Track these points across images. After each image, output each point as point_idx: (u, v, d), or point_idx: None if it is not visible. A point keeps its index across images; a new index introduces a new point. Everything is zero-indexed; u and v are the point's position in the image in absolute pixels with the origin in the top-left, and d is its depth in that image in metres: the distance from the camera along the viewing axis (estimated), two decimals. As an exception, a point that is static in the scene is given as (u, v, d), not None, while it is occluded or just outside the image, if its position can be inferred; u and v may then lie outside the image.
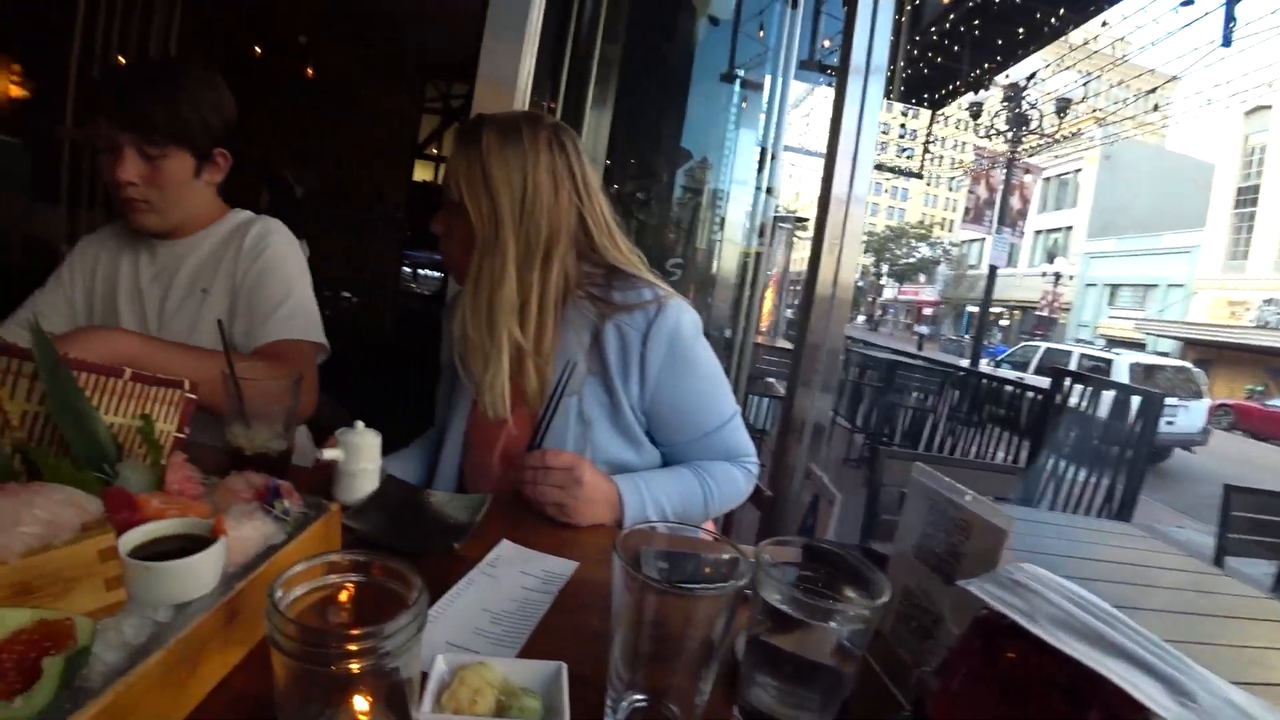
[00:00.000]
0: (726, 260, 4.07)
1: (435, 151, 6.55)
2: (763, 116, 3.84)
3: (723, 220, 4.10)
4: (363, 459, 0.87)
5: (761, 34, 3.86)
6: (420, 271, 7.13)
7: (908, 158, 17.18)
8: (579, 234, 1.05)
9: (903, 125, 23.77)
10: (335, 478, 0.88)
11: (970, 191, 18.23)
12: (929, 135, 13.65)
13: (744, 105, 4.12)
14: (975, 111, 13.83)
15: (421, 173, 6.20)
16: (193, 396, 0.74)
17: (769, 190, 3.66)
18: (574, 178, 1.03)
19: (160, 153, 1.14)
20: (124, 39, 5.29)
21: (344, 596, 0.48)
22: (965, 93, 8.87)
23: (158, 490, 0.64)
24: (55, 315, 1.26)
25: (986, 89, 10.44)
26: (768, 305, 11.73)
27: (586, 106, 2.85)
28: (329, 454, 0.85)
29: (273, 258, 1.25)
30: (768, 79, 3.75)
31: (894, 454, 2.33)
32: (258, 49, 5.85)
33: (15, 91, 4.70)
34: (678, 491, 1.04)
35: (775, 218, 4.54)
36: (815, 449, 2.24)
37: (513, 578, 0.76)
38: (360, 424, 0.89)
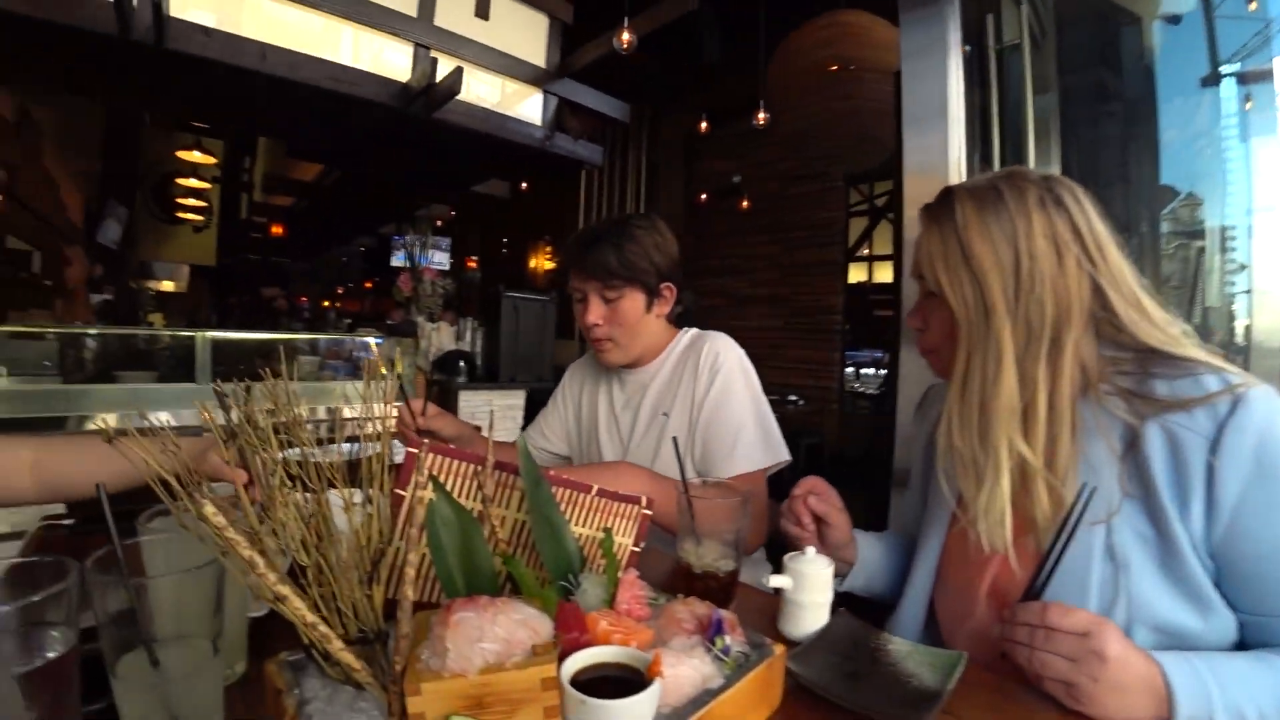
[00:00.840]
0: (1262, 321, 2.89)
1: (867, 252, 6.59)
2: (1286, 110, 2.71)
3: (1241, 266, 2.96)
4: (813, 590, 0.77)
5: (1254, 4, 2.80)
6: (862, 371, 7.09)
7: None
8: (1095, 309, 0.80)
9: None
10: (781, 608, 0.79)
11: None
12: None
13: (1248, 106, 3.00)
14: None
15: (856, 275, 6.29)
16: (648, 513, 0.76)
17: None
18: (1080, 239, 0.79)
19: (617, 295, 1.29)
20: (608, 209, 6.86)
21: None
22: None
23: (608, 606, 0.64)
24: (553, 434, 1.53)
25: None
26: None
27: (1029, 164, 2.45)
28: (775, 581, 0.77)
29: (726, 377, 1.28)
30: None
31: None
32: (703, 196, 6.89)
33: (546, 265, 6.90)
34: (1270, 690, 0.65)
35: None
36: None
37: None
38: (812, 550, 0.79)
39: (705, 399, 1.27)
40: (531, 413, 4.06)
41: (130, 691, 0.50)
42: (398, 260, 6.65)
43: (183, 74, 3.20)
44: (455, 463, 0.65)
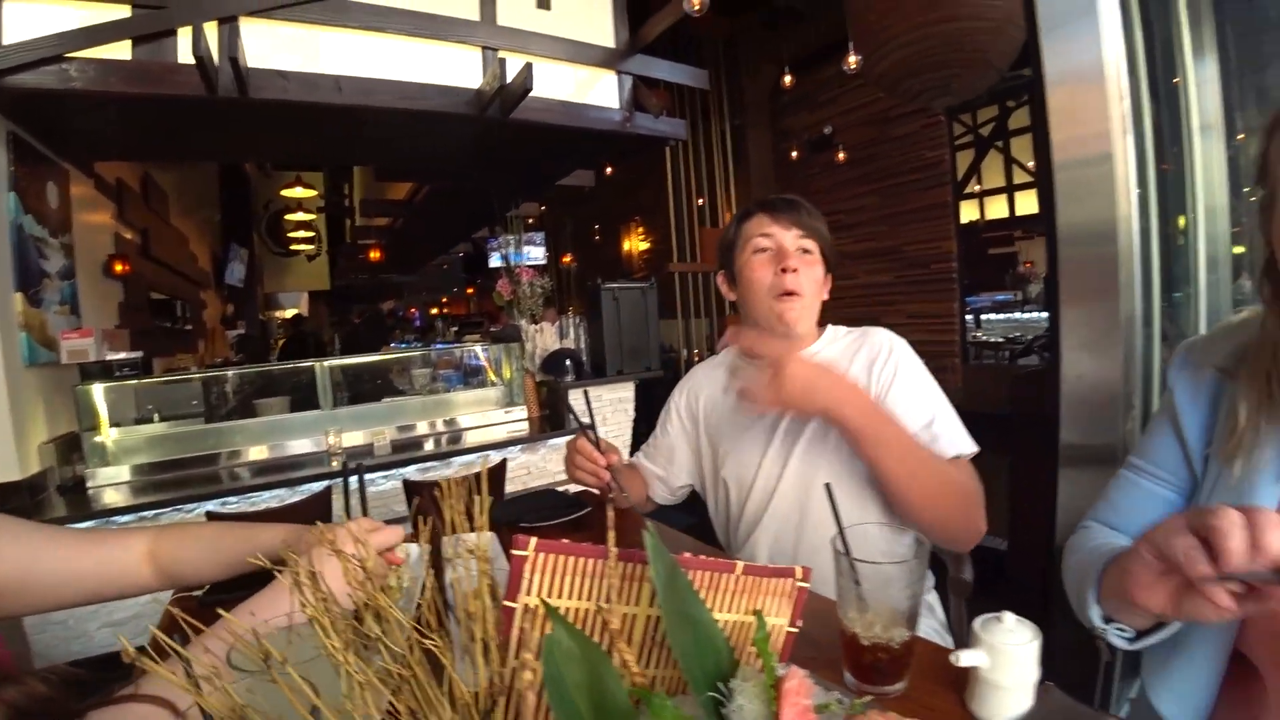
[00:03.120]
0: None
1: (977, 188, 6.05)
2: None
3: None
4: (1015, 669, 0.60)
5: None
6: (983, 317, 6.56)
7: None
8: None
9: None
10: (973, 686, 0.63)
11: None
12: None
13: None
14: None
15: (967, 214, 5.79)
16: (805, 585, 0.62)
17: None
18: None
19: (811, 250, 1.21)
20: (697, 181, 6.64)
21: None
22: None
23: (774, 725, 0.51)
24: (668, 463, 1.39)
25: None
26: None
27: (1185, 61, 2.03)
28: (968, 660, 0.61)
29: (910, 367, 1.15)
30: None
31: None
32: (794, 153, 6.53)
33: (640, 246, 6.90)
34: None
35: None
36: None
37: None
38: (1011, 617, 0.63)
39: (888, 392, 1.12)
40: (643, 404, 4.01)
41: None
42: (495, 261, 6.80)
43: (270, 118, 3.32)
44: (572, 561, 0.53)
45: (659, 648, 0.59)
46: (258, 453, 3.16)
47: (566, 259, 9.68)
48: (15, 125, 2.80)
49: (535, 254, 7.85)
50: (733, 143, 6.65)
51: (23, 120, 2.82)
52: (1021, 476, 2.90)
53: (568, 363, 3.63)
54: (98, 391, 2.88)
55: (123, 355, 3.08)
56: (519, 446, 3.39)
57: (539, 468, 3.47)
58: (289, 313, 10.25)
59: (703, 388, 1.37)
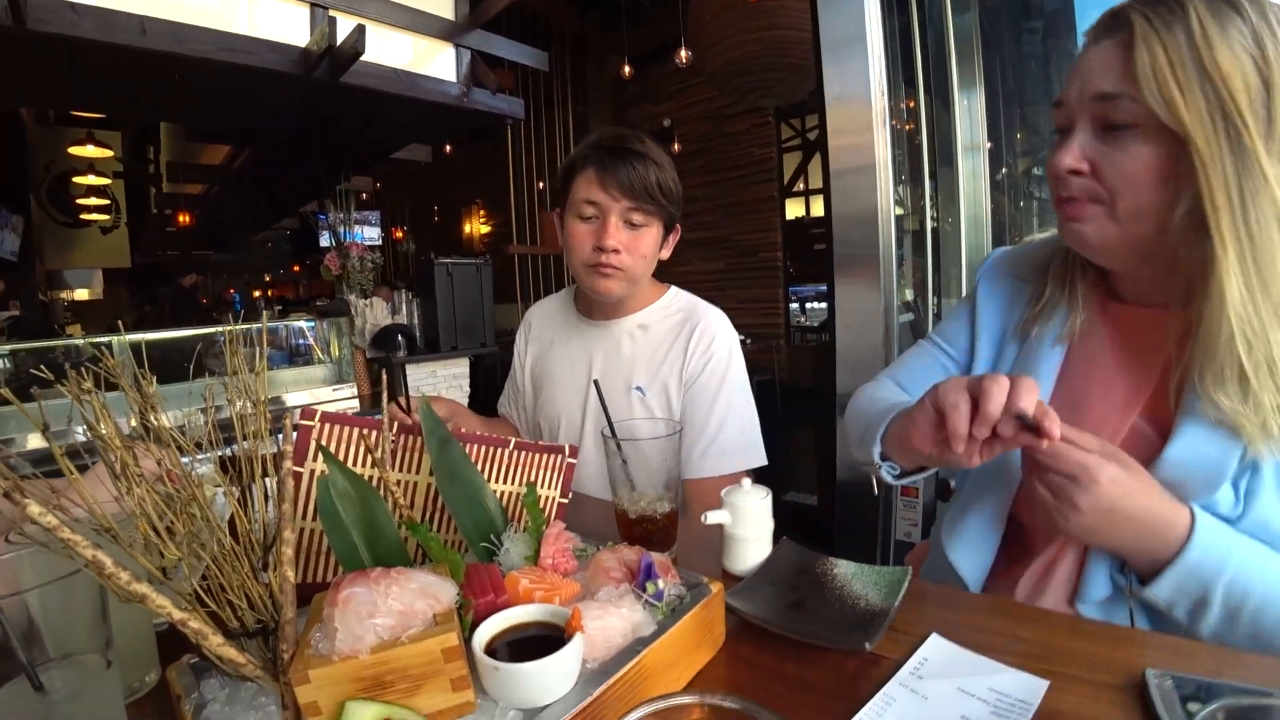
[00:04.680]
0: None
1: (802, 187, 6.62)
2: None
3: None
4: (752, 523, 0.75)
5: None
6: (807, 305, 7.21)
7: None
8: None
9: None
10: (723, 544, 0.78)
11: None
12: None
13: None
14: None
15: (793, 210, 6.32)
16: (573, 461, 0.72)
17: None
18: None
19: (643, 221, 1.15)
20: (538, 164, 6.68)
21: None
22: None
23: (533, 562, 0.61)
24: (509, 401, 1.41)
25: None
26: None
27: (952, 92, 2.45)
28: (713, 518, 0.75)
29: (718, 365, 1.16)
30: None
31: None
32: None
33: (481, 229, 6.78)
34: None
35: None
36: None
37: (948, 698, 0.54)
38: (747, 481, 0.77)
39: (691, 386, 1.16)
40: (477, 380, 4.00)
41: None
42: (326, 240, 6.37)
43: (54, 58, 2.91)
44: (354, 432, 0.59)
45: (440, 513, 0.66)
46: (41, 441, 2.78)
47: (399, 234, 9.26)
48: None
49: (370, 233, 7.44)
50: (575, 128, 6.74)
51: None
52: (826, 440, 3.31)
53: (400, 338, 3.54)
54: None
55: None
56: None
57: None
58: (79, 294, 8.85)
59: (533, 325, 1.40)
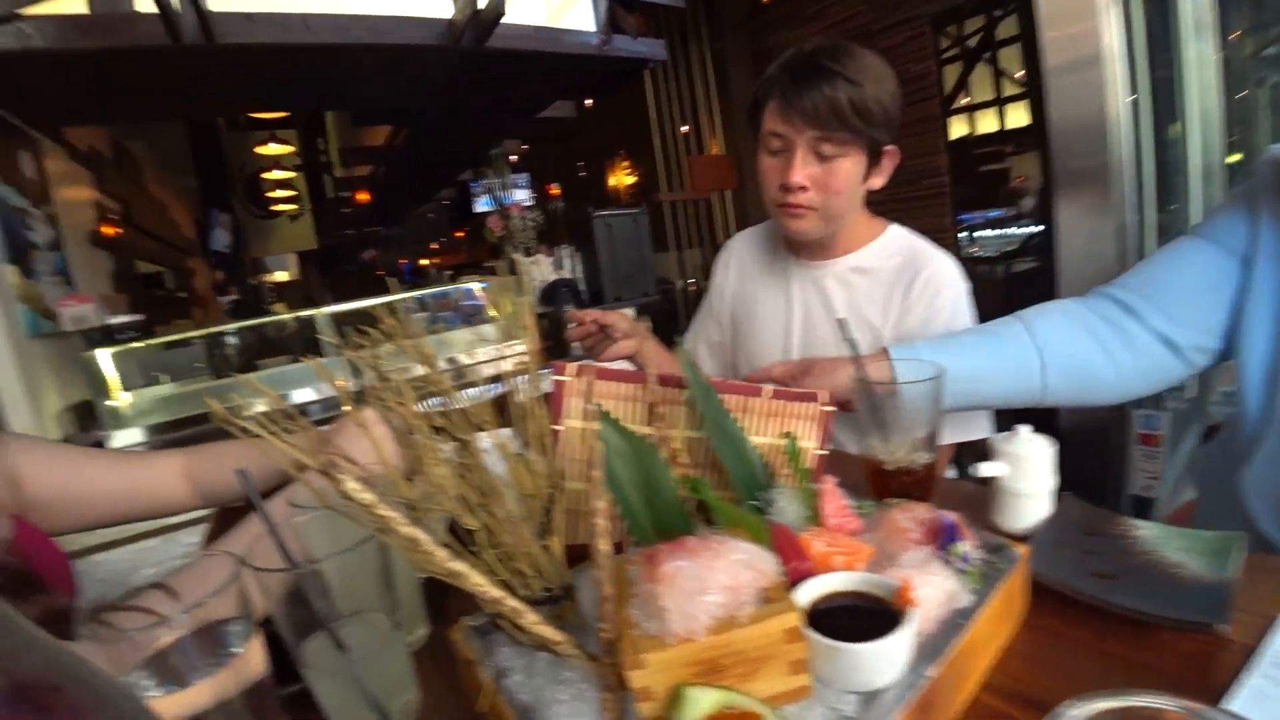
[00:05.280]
0: None
1: (965, 102, 5.94)
2: None
3: None
4: (1035, 475, 0.66)
5: None
6: (976, 234, 6.57)
7: None
8: None
9: None
10: (995, 499, 0.69)
11: None
12: None
13: None
14: None
15: (956, 129, 5.70)
16: (830, 409, 0.67)
17: None
18: None
19: (837, 151, 1.01)
20: (680, 111, 6.49)
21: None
22: None
23: (813, 523, 0.57)
24: (713, 341, 1.33)
25: None
26: None
27: None
28: (988, 470, 0.67)
29: (945, 319, 1.05)
30: None
31: None
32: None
33: (626, 180, 6.79)
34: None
35: None
36: None
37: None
38: (1025, 429, 0.68)
39: (917, 326, 1.05)
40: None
41: (322, 677, 0.48)
42: (483, 206, 6.69)
43: (238, 67, 3.21)
44: (612, 385, 0.57)
45: (704, 471, 0.64)
46: (267, 405, 3.19)
47: (554, 190, 9.53)
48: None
49: (521, 195, 7.74)
50: (714, 66, 6.48)
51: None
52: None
53: (566, 291, 3.66)
54: (104, 356, 2.90)
55: (124, 319, 3.07)
56: (523, 378, 3.43)
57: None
58: (278, 276, 10.10)
59: (736, 255, 1.31)
